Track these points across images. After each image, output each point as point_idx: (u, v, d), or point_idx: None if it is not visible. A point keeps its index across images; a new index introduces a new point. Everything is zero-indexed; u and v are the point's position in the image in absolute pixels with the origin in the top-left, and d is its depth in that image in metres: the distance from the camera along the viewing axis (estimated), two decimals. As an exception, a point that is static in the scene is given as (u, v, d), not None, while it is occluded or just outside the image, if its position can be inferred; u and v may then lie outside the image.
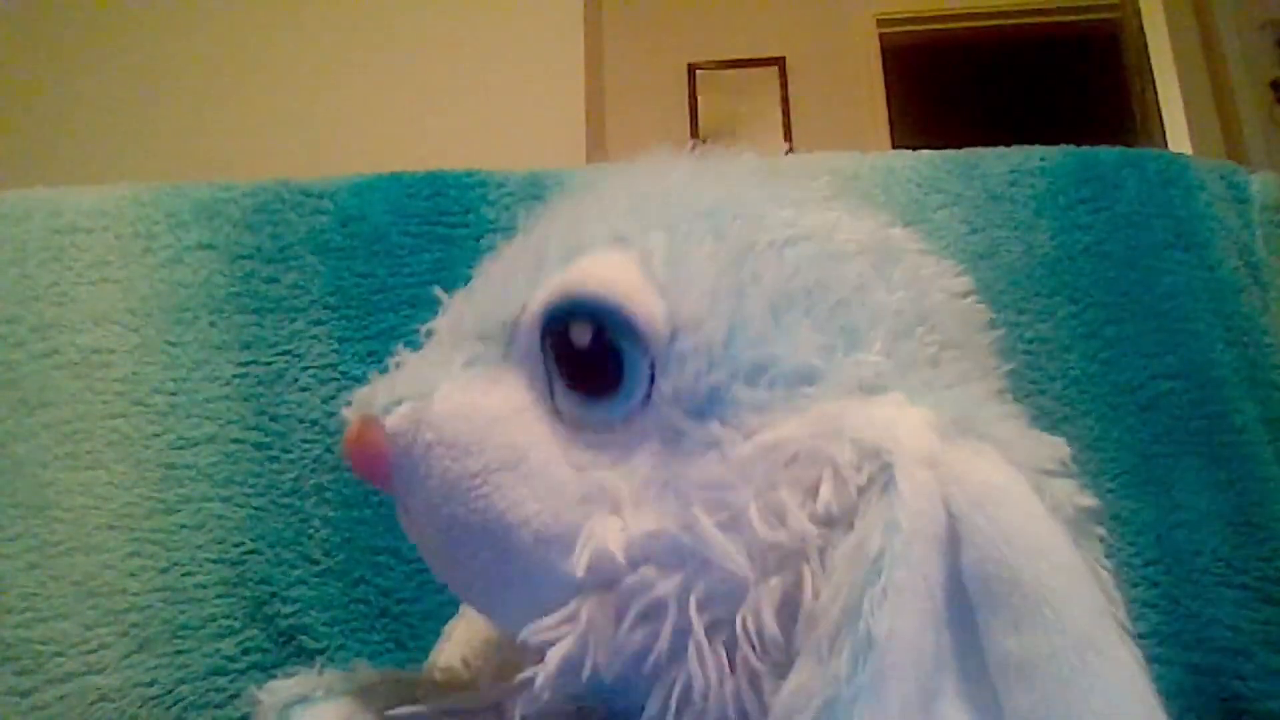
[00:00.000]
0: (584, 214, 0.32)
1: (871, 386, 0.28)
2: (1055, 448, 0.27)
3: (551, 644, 0.26)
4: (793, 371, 0.28)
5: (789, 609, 0.25)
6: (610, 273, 0.29)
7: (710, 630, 0.25)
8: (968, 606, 0.24)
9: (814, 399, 0.27)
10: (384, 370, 0.32)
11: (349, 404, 0.32)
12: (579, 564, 0.26)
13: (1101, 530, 0.27)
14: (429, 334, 0.33)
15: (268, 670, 0.50)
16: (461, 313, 0.32)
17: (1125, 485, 0.53)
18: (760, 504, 0.26)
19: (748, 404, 0.27)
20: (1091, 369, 0.56)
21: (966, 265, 0.58)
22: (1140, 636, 0.51)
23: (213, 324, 0.58)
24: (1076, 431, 0.54)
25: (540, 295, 0.30)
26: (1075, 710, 0.22)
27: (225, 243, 0.60)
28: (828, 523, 0.25)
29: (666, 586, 0.26)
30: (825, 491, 0.25)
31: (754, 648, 0.25)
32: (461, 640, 0.39)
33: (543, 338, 0.30)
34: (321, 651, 0.51)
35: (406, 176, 0.62)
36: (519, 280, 0.31)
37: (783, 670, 0.24)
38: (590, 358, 0.29)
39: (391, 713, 0.32)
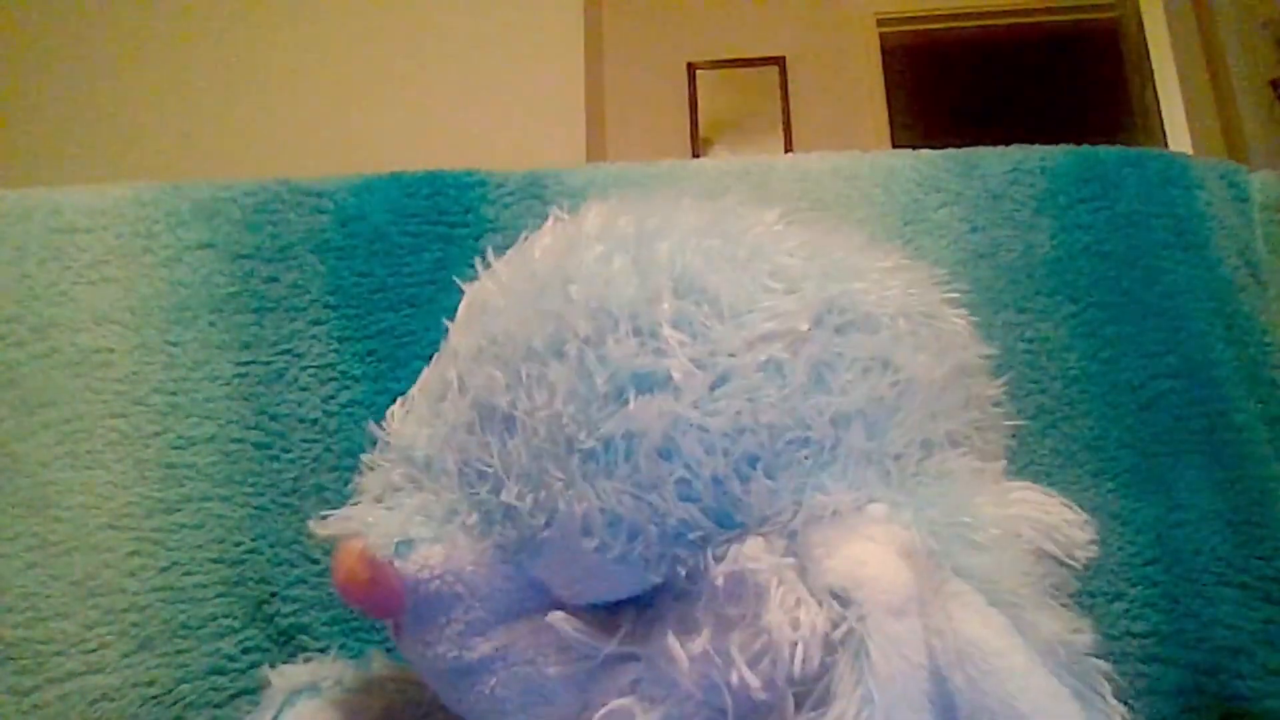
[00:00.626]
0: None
1: (846, 506, 0.27)
2: (1074, 530, 0.26)
3: None
4: (759, 519, 0.27)
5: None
6: (604, 590, 0.29)
7: None
8: None
9: (780, 530, 0.27)
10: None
11: (328, 524, 0.32)
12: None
13: (1102, 665, 0.25)
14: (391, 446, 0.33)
15: (261, 695, 0.50)
16: (445, 462, 0.32)
17: (1125, 484, 0.53)
18: (729, 647, 0.26)
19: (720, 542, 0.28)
20: (1092, 368, 0.56)
21: (966, 265, 0.58)
22: (1140, 636, 0.51)
23: (213, 323, 0.58)
24: (1076, 431, 0.54)
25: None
26: None
27: (225, 242, 0.60)
28: (793, 680, 0.25)
29: (657, 713, 0.26)
30: (788, 655, 0.24)
31: None
32: None
33: None
34: (321, 651, 0.51)
35: (406, 176, 0.62)
36: (520, 496, 0.30)
37: None
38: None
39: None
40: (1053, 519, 0.27)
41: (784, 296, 0.29)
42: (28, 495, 0.53)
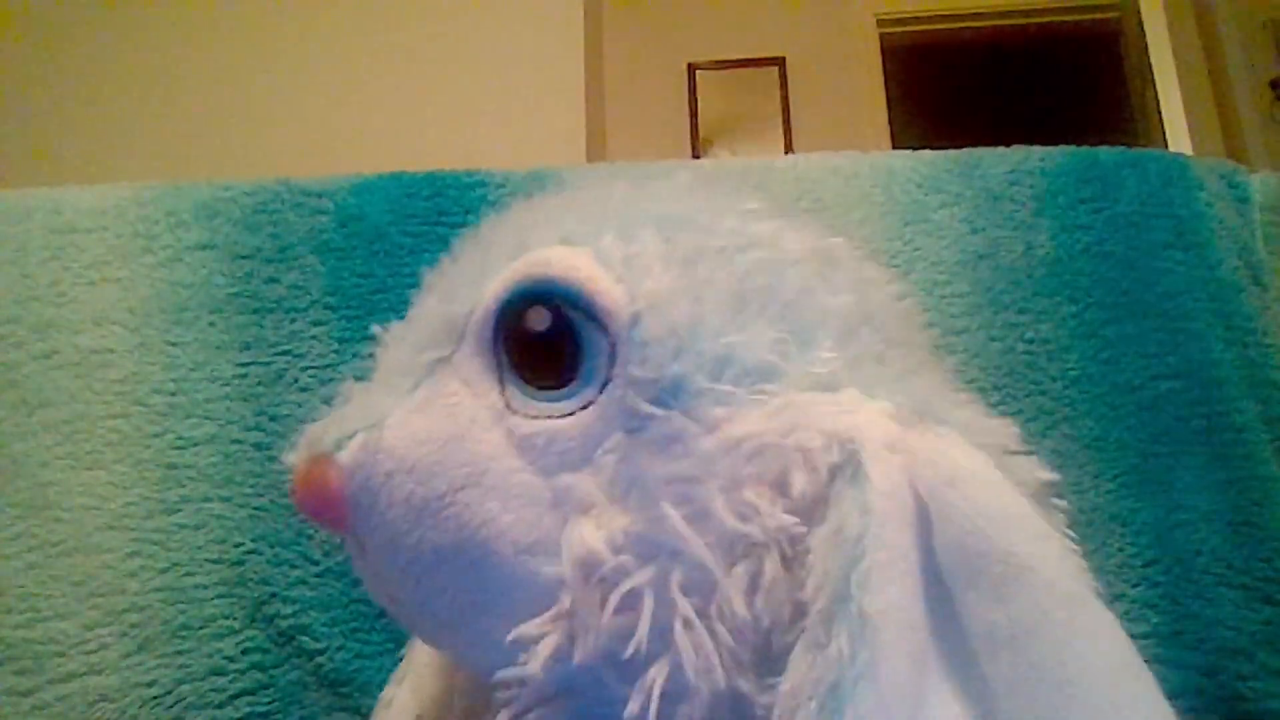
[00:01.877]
0: (528, 223, 0.31)
1: (826, 384, 0.28)
2: (1008, 429, 0.27)
3: (537, 643, 0.26)
4: (753, 367, 0.28)
5: (756, 594, 0.25)
6: (564, 256, 0.29)
7: (686, 615, 0.26)
8: (942, 586, 0.24)
9: (773, 395, 0.27)
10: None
11: (292, 447, 0.31)
12: (566, 563, 0.27)
13: (1063, 503, 0.27)
14: (371, 365, 0.33)
15: (267, 670, 0.50)
16: (402, 336, 0.32)
17: (1125, 485, 0.53)
18: (726, 498, 0.26)
19: (709, 396, 0.27)
20: (1092, 369, 0.56)
21: (966, 265, 0.58)
22: (1140, 637, 0.51)
23: (213, 324, 0.58)
24: (1076, 431, 0.54)
25: (494, 286, 0.29)
26: (1072, 668, 0.23)
27: (225, 242, 0.60)
28: (798, 513, 0.26)
29: (644, 575, 0.26)
30: (798, 481, 0.26)
31: (730, 632, 0.25)
32: (407, 706, 0.38)
33: (495, 329, 0.29)
34: (321, 652, 0.51)
35: (406, 176, 0.62)
36: (463, 285, 0.30)
37: (760, 655, 0.25)
38: (547, 344, 0.28)
39: None
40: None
41: (787, 227, 0.32)
42: (28, 495, 0.53)
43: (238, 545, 0.53)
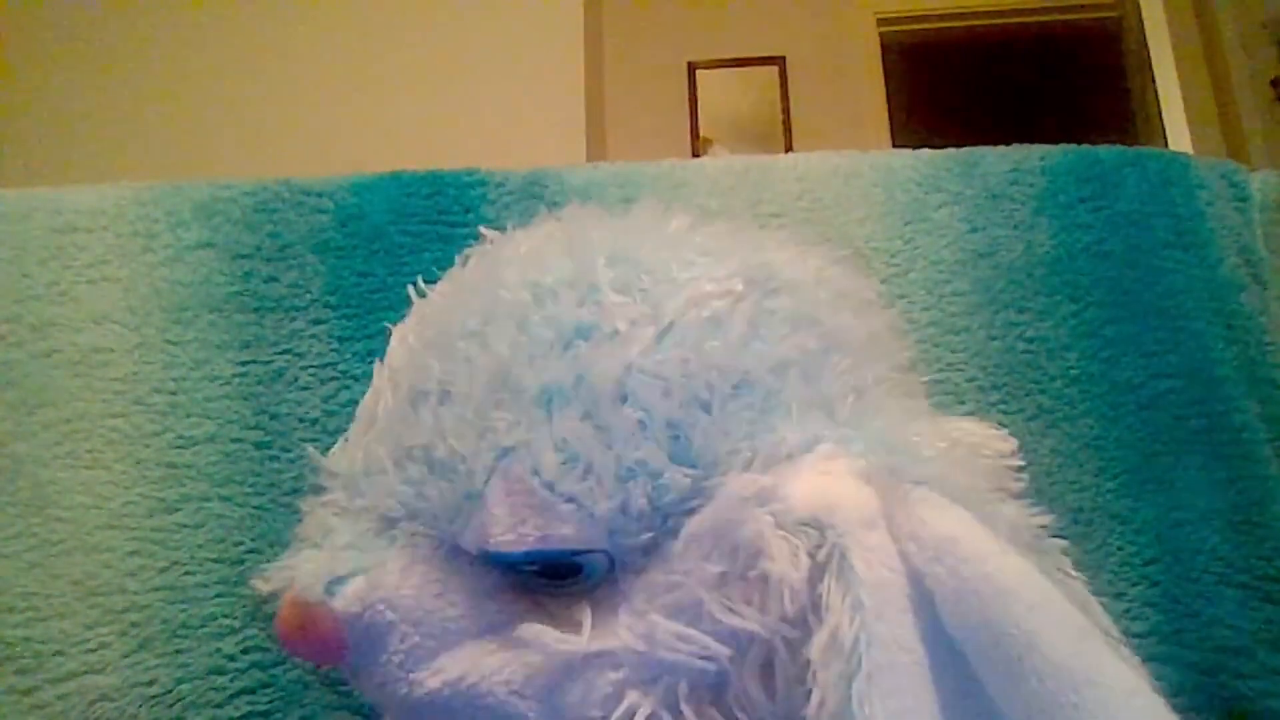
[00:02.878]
0: (485, 401, 0.29)
1: (800, 446, 0.27)
2: (1000, 442, 0.27)
3: None
4: (717, 459, 0.27)
5: (772, 680, 0.25)
6: (553, 531, 0.28)
7: (702, 711, 0.26)
8: (957, 651, 0.24)
9: (735, 477, 0.27)
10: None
11: (265, 574, 0.31)
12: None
13: (1062, 542, 0.26)
14: (330, 486, 0.32)
15: (267, 669, 0.50)
16: (379, 461, 0.31)
17: (1125, 484, 0.53)
18: (713, 595, 0.26)
19: (682, 513, 0.27)
20: (1092, 368, 0.56)
21: (966, 264, 0.58)
22: (1140, 636, 0.51)
23: (212, 323, 0.58)
24: (1076, 431, 0.54)
25: (477, 534, 0.28)
26: None
27: (225, 242, 0.60)
28: (785, 606, 0.25)
29: (652, 699, 0.26)
30: (775, 595, 0.25)
31: (745, 711, 0.25)
32: None
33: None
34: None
35: (406, 176, 0.62)
36: (458, 450, 0.29)
37: None
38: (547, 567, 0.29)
39: None
40: (980, 434, 0.30)
41: (715, 264, 0.31)
42: (28, 495, 0.53)
43: (238, 544, 0.53)
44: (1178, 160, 0.62)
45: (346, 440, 0.33)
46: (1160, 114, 2.25)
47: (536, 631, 0.28)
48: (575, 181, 0.61)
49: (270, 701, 0.50)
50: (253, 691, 0.50)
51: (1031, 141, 0.63)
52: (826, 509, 0.25)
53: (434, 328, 0.31)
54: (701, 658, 0.25)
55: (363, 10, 1.62)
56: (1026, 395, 0.55)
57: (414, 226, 0.60)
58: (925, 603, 0.24)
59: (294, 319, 0.58)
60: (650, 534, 0.27)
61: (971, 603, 0.23)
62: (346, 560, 0.29)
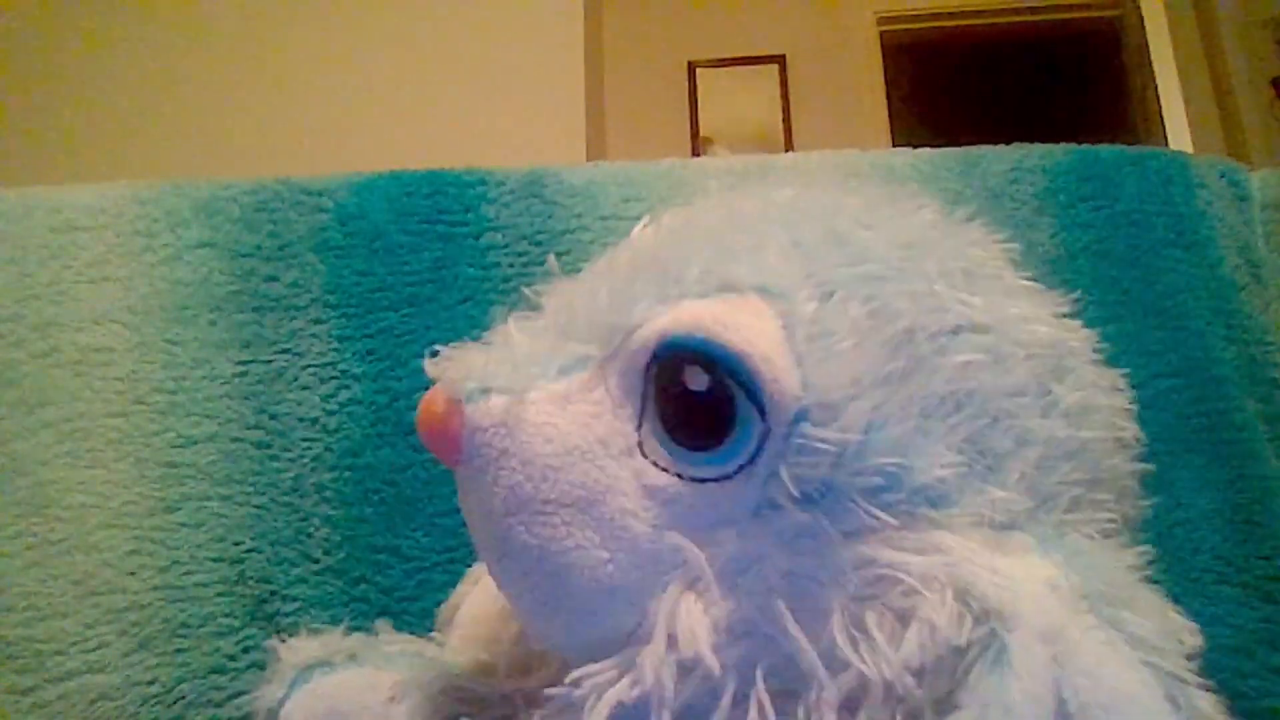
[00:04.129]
0: (733, 243, 0.29)
1: (1000, 524, 0.25)
2: (1191, 637, 0.24)
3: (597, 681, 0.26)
4: (919, 488, 0.25)
5: (851, 706, 0.24)
6: (750, 324, 0.26)
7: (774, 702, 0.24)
8: None
9: (934, 523, 0.25)
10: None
11: (434, 358, 0.30)
12: (658, 631, 0.25)
13: None
14: (533, 312, 0.31)
15: (267, 669, 0.50)
16: (569, 306, 0.30)
17: (1125, 483, 0.53)
18: (844, 616, 0.24)
19: (862, 510, 0.25)
20: (1092, 367, 0.55)
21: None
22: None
23: (212, 322, 0.58)
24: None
25: (664, 320, 0.27)
26: None
27: (225, 241, 0.60)
28: (913, 666, 0.23)
29: (732, 654, 0.25)
30: (912, 639, 0.23)
31: None
32: (477, 615, 0.38)
33: (649, 364, 0.27)
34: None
35: (406, 175, 0.62)
36: (643, 291, 0.28)
37: None
38: (697, 403, 0.26)
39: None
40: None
41: (1036, 311, 0.29)
42: (28, 495, 0.53)
43: (238, 543, 0.53)
44: (1178, 159, 0.61)
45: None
46: (1160, 114, 2.25)
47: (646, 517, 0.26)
48: (575, 181, 0.61)
49: (270, 701, 0.50)
50: (253, 692, 0.50)
51: (1031, 141, 0.63)
52: (1005, 599, 0.23)
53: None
54: (792, 662, 0.24)
55: (363, 10, 1.62)
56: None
57: (414, 226, 0.60)
58: None
59: (294, 318, 0.58)
60: (821, 479, 0.25)
61: None
62: (499, 375, 0.28)
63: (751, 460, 0.26)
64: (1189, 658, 0.23)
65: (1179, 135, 2.20)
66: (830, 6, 2.48)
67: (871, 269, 0.27)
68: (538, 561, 0.27)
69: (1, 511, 0.53)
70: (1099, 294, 0.57)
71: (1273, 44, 2.13)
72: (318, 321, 0.58)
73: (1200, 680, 0.23)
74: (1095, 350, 0.31)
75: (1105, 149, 0.62)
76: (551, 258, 0.35)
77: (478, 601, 0.39)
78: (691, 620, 0.25)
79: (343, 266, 0.59)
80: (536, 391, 0.28)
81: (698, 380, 0.26)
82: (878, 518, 0.25)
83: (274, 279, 0.59)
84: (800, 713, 0.24)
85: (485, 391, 0.28)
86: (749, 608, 0.25)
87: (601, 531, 0.26)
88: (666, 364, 0.27)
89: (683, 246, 0.29)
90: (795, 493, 0.25)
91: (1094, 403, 0.29)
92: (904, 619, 0.24)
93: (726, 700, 0.24)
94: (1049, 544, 0.25)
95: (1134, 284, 0.57)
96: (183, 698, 0.49)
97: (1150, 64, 2.30)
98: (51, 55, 1.62)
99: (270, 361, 0.57)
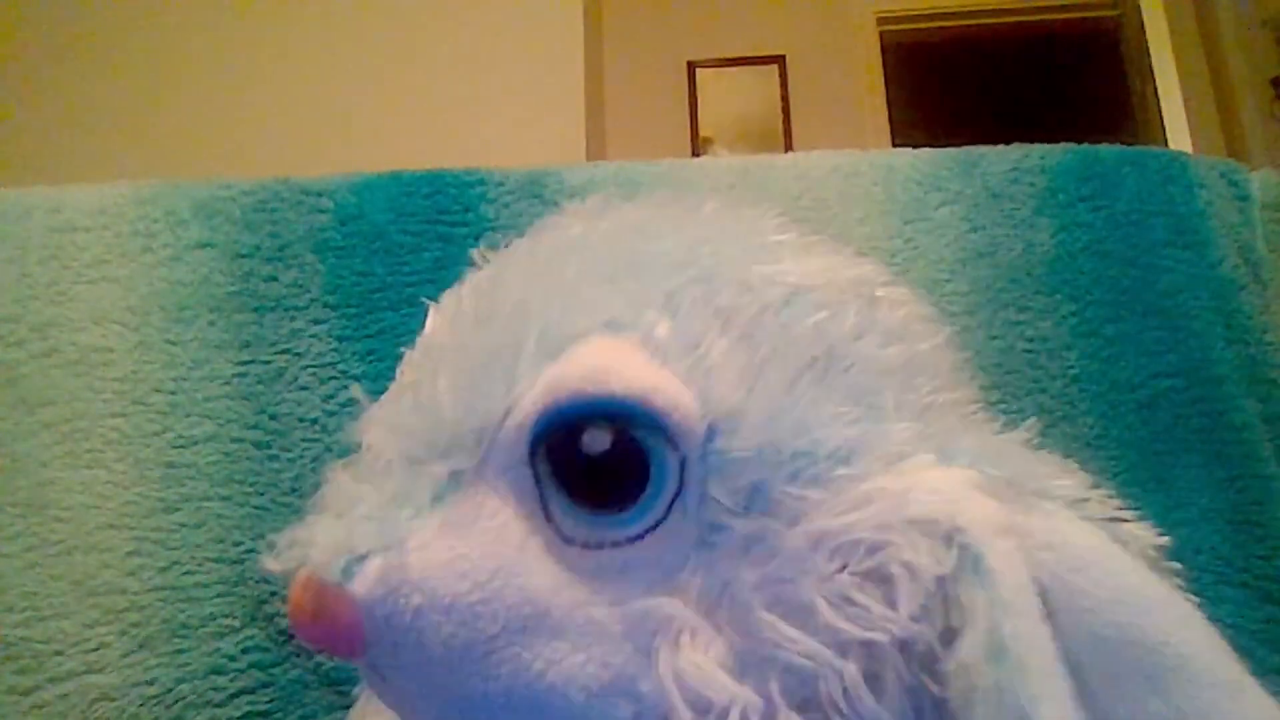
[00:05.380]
0: (549, 300, 0.27)
1: (903, 456, 0.26)
2: (1101, 491, 0.26)
3: None
4: (830, 453, 0.25)
5: (881, 696, 0.24)
6: (624, 363, 0.25)
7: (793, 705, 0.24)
8: (1074, 678, 0.23)
9: (851, 478, 0.25)
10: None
11: (272, 552, 0.26)
12: (674, 697, 0.24)
13: (1175, 565, 0.26)
14: (359, 452, 0.28)
15: (267, 669, 0.50)
16: (402, 430, 0.27)
17: (1125, 484, 0.53)
18: (828, 599, 0.24)
19: (794, 497, 0.25)
20: (1091, 367, 0.56)
21: (966, 263, 0.58)
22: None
23: (212, 322, 0.58)
24: (1076, 430, 0.54)
25: (534, 396, 0.25)
26: None
27: (224, 241, 0.60)
28: (912, 613, 0.24)
29: (749, 694, 0.24)
30: (904, 588, 0.23)
31: (844, 712, 0.23)
32: None
33: (533, 450, 0.25)
34: (321, 651, 0.51)
35: (406, 175, 0.62)
36: (486, 385, 0.26)
37: None
38: (601, 465, 0.25)
39: None
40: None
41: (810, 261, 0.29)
42: (28, 495, 0.53)
43: (238, 544, 0.53)
44: (1177, 159, 0.61)
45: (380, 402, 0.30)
46: (1160, 114, 2.25)
47: (620, 611, 0.25)
48: (575, 181, 0.61)
49: (270, 701, 0.50)
50: (253, 691, 0.50)
51: (1031, 141, 0.63)
52: (954, 512, 0.24)
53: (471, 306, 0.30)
54: (804, 662, 0.24)
55: (363, 10, 1.62)
56: (1026, 395, 0.55)
57: (414, 226, 0.60)
58: (1049, 619, 0.23)
59: (294, 319, 0.58)
60: (748, 484, 0.25)
61: (1119, 614, 0.23)
62: (367, 534, 0.25)
63: (678, 494, 0.25)
64: (1113, 508, 0.26)
65: (1179, 135, 2.20)
66: (830, 6, 2.48)
67: (690, 273, 0.27)
68: (507, 704, 0.24)
69: (1, 512, 0.53)
70: (1098, 294, 0.57)
71: (1273, 44, 2.13)
72: (317, 322, 0.58)
73: (1126, 515, 0.26)
74: (884, 275, 0.31)
75: (1105, 149, 0.62)
76: (477, 251, 0.33)
77: None
78: (698, 664, 0.24)
79: (342, 266, 0.59)
80: (419, 535, 0.25)
81: (598, 441, 0.25)
82: (808, 498, 0.25)
83: (274, 279, 0.59)
84: (829, 709, 0.23)
85: (360, 560, 0.25)
86: (739, 635, 0.24)
87: (567, 637, 0.24)
88: (556, 439, 0.25)
89: (500, 324, 0.27)
90: (731, 506, 0.25)
91: (911, 315, 0.30)
92: (882, 576, 0.24)
93: None
94: (948, 455, 0.26)
95: (1134, 284, 0.57)
96: (182, 698, 0.49)
97: (1150, 64, 2.30)
98: (51, 55, 1.62)
99: (270, 362, 0.57)
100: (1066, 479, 0.26)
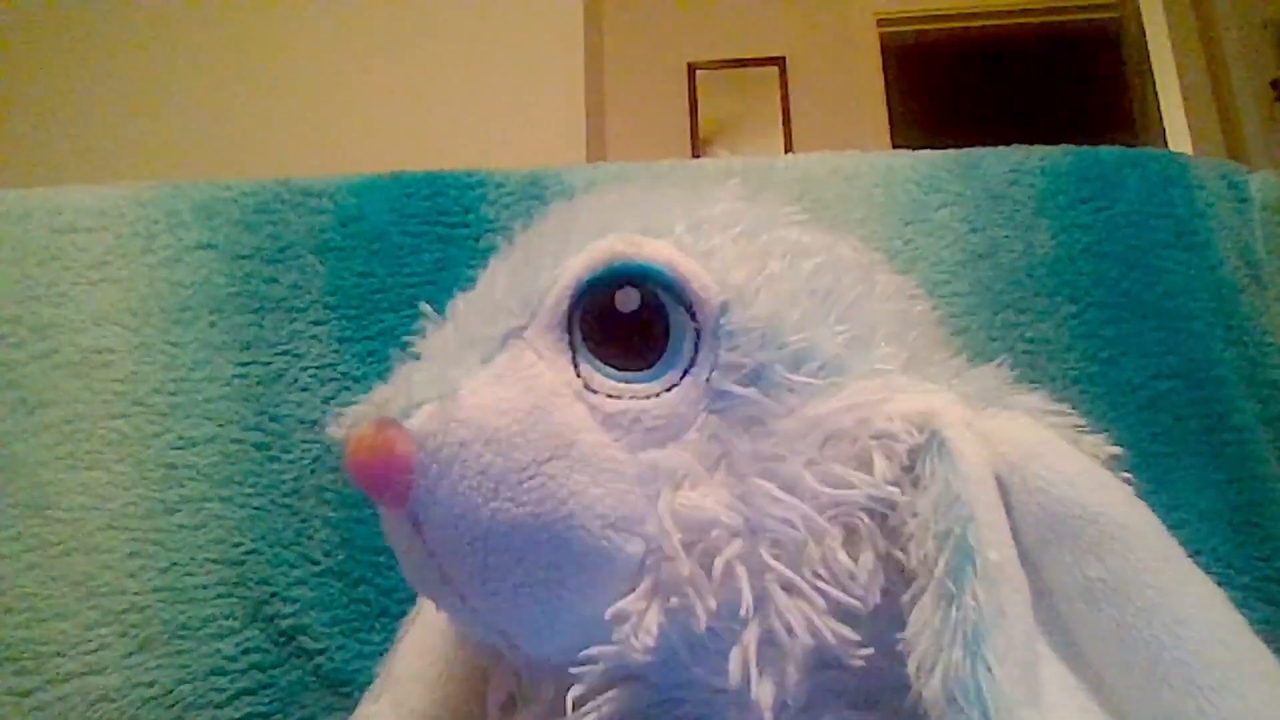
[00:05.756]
0: (604, 209, 0.32)
1: (885, 374, 0.29)
2: (1070, 411, 0.29)
3: (631, 620, 0.27)
4: (827, 360, 0.29)
5: (858, 552, 0.27)
6: (655, 244, 0.29)
7: (785, 577, 0.27)
8: (1026, 558, 0.26)
9: (844, 386, 0.29)
10: (383, 378, 0.30)
11: (342, 416, 0.29)
12: (669, 532, 0.27)
13: (1128, 475, 0.29)
14: (433, 334, 0.32)
15: (267, 670, 0.50)
16: (467, 311, 0.31)
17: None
18: (812, 472, 0.27)
19: (787, 384, 0.28)
20: (1092, 369, 0.56)
21: (966, 265, 0.58)
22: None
23: (212, 324, 0.58)
24: (1077, 431, 0.54)
25: (578, 261, 0.29)
26: (1180, 609, 0.25)
27: (225, 242, 0.60)
28: (883, 483, 0.27)
29: (736, 545, 0.27)
30: (879, 459, 0.27)
31: (829, 588, 0.26)
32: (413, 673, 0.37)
33: (571, 308, 0.29)
34: (321, 652, 0.51)
35: (406, 176, 0.62)
36: (540, 260, 0.30)
37: (851, 612, 0.26)
38: (629, 324, 0.29)
39: None
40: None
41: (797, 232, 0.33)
42: (28, 495, 0.53)
43: (237, 545, 0.53)
44: (1177, 161, 0.62)
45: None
46: (1160, 114, 2.25)
47: (645, 459, 0.28)
48: (575, 181, 0.61)
49: (270, 702, 0.50)
50: (253, 692, 0.50)
51: (1031, 142, 0.63)
52: (929, 409, 0.27)
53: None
54: (789, 524, 0.27)
55: (363, 10, 1.62)
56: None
57: (414, 227, 0.60)
58: (1005, 502, 0.26)
59: (294, 320, 0.58)
60: (753, 363, 0.28)
61: (1068, 490, 0.26)
62: (424, 384, 0.28)
63: (692, 362, 0.29)
64: (1076, 421, 0.29)
65: (1178, 136, 2.20)
66: (830, 8, 2.48)
67: (720, 211, 0.31)
68: (534, 529, 0.27)
69: (1, 513, 0.53)
70: (1098, 295, 0.57)
71: (1272, 45, 2.13)
72: (318, 323, 0.58)
73: (1086, 429, 0.29)
74: (889, 267, 0.36)
75: (1105, 150, 0.62)
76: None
77: (393, 697, 0.37)
78: (692, 500, 0.27)
79: (343, 268, 0.59)
80: (468, 384, 0.28)
81: (629, 300, 0.29)
82: (809, 384, 0.28)
83: (274, 280, 0.59)
84: (807, 572, 0.26)
85: (417, 405, 0.27)
86: (733, 496, 0.27)
87: (588, 470, 0.27)
88: (594, 297, 0.29)
89: (548, 231, 0.32)
90: (738, 379, 0.28)
91: (903, 288, 0.34)
92: (861, 460, 0.27)
93: (745, 584, 0.26)
94: (926, 378, 0.30)
95: (1134, 285, 0.57)
96: (182, 699, 0.49)
97: (1150, 64, 2.30)
98: (51, 55, 1.62)
99: (270, 363, 0.57)
100: (1030, 397, 0.30)
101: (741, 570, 0.26)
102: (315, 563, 0.53)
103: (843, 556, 0.26)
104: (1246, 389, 0.55)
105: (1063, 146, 0.62)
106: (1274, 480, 0.53)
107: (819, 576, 0.26)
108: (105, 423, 0.55)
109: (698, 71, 2.46)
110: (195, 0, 1.64)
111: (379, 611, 0.52)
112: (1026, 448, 0.27)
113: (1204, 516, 0.52)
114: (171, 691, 0.50)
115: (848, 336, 0.30)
